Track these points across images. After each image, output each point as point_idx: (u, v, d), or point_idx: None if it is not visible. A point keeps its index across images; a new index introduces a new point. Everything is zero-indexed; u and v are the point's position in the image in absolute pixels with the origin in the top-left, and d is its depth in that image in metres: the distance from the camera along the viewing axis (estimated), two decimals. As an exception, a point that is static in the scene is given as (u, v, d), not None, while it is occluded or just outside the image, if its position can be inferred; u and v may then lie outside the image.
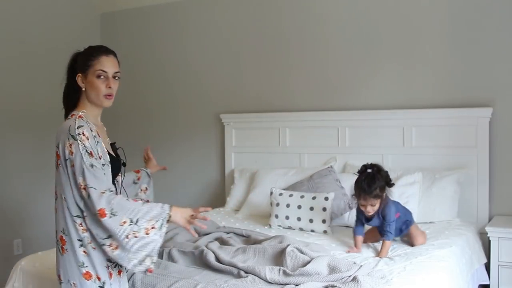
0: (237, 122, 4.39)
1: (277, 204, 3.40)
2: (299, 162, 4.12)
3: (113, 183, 2.06)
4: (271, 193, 3.52)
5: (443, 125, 3.61)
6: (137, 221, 1.80)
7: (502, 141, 3.50)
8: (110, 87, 1.97)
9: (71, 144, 1.86)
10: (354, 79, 3.96)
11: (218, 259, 2.40)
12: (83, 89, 2.01)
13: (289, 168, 4.02)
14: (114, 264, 1.91)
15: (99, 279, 1.87)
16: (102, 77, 1.97)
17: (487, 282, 3.26)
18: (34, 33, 4.49)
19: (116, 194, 2.02)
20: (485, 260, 3.28)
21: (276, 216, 3.39)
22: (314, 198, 3.32)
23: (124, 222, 1.79)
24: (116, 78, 2.01)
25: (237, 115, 4.39)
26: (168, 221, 1.85)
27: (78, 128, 1.87)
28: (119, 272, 1.94)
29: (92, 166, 1.84)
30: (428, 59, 3.70)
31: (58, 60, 4.64)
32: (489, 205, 3.49)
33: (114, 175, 2.04)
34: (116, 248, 1.82)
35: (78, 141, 1.85)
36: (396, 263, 2.48)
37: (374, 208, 2.72)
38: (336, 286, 2.05)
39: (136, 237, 1.79)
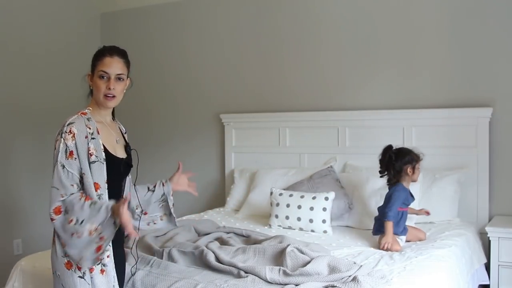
0: (237, 122, 4.39)
1: (277, 204, 3.40)
2: (299, 162, 4.11)
3: (121, 183, 2.08)
4: (271, 193, 3.52)
5: (443, 125, 3.61)
6: (82, 222, 1.83)
7: (502, 141, 3.50)
8: (109, 88, 1.98)
9: (57, 141, 1.90)
10: (354, 79, 3.96)
11: (218, 259, 2.40)
12: (91, 88, 2.05)
13: (289, 168, 4.02)
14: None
15: (79, 269, 1.88)
16: (104, 77, 1.99)
17: (487, 282, 3.26)
18: (34, 33, 4.49)
19: (121, 194, 2.04)
20: (485, 260, 3.28)
21: (276, 216, 3.38)
22: (314, 198, 3.31)
23: (71, 221, 1.83)
24: (121, 79, 2.02)
25: (237, 115, 4.39)
26: (114, 223, 1.85)
27: (68, 125, 1.91)
28: (102, 271, 1.92)
29: (63, 166, 1.86)
30: (428, 59, 3.70)
31: (59, 60, 4.69)
32: (489, 205, 3.49)
33: (121, 174, 2.06)
34: (64, 245, 1.87)
35: (62, 138, 1.88)
36: (396, 263, 2.48)
37: None
38: (336, 286, 2.05)
39: (79, 237, 1.83)
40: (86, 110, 2.01)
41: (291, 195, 3.41)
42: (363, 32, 3.92)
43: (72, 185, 1.87)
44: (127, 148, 2.14)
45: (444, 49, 3.65)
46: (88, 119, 1.96)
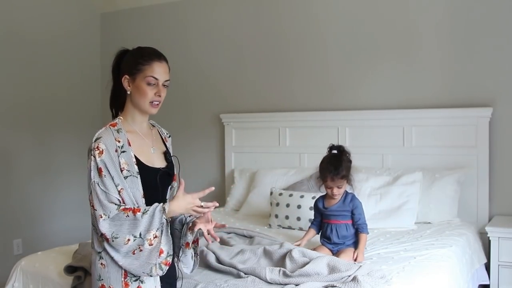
0: (237, 122, 4.39)
1: (277, 204, 3.40)
2: (299, 162, 4.11)
3: (160, 195, 1.94)
4: (271, 193, 3.52)
5: (443, 125, 3.61)
6: (140, 235, 1.75)
7: (502, 141, 3.50)
8: (159, 96, 1.88)
9: (88, 159, 1.81)
10: (354, 79, 3.96)
11: (218, 260, 2.40)
12: (128, 92, 1.89)
13: (289, 168, 4.02)
14: (134, 278, 1.82)
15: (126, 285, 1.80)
16: (153, 84, 1.86)
17: (487, 282, 3.26)
18: (34, 33, 4.49)
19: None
20: (485, 260, 3.28)
21: (276, 216, 3.38)
22: (314, 198, 3.30)
23: (128, 240, 1.75)
24: (166, 86, 1.91)
25: (237, 115, 4.39)
26: (167, 221, 1.79)
27: (95, 141, 1.80)
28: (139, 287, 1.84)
29: (98, 185, 1.76)
30: (428, 59, 3.70)
31: (58, 60, 4.69)
32: (489, 205, 3.49)
33: (160, 186, 1.92)
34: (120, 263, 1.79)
35: (92, 156, 1.78)
36: (395, 263, 2.48)
37: (340, 191, 2.63)
38: (336, 286, 2.05)
39: (141, 250, 1.75)
40: (117, 120, 1.88)
41: (291, 195, 3.41)
42: (363, 32, 3.91)
43: (111, 203, 1.76)
44: (167, 155, 1.99)
45: (444, 49, 3.65)
46: (117, 131, 1.84)
